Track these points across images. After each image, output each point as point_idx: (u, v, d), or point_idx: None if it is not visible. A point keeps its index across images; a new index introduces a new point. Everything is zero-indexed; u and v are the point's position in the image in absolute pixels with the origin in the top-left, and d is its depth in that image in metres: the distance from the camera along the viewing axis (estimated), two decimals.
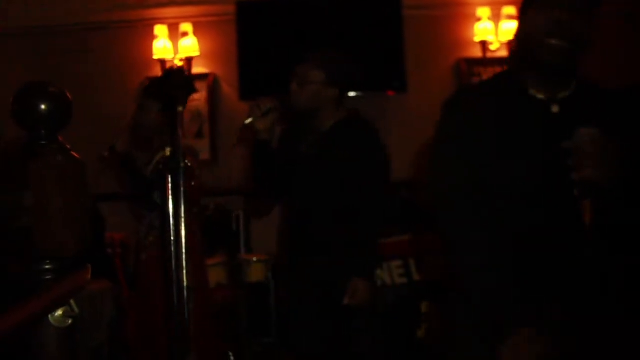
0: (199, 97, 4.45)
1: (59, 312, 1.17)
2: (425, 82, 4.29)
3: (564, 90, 1.46)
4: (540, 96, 1.44)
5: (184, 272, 1.44)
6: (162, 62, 4.39)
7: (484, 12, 4.29)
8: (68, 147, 1.29)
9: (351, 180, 2.31)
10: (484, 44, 4.32)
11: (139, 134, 2.89)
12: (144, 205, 2.86)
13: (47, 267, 1.20)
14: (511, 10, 4.20)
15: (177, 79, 2.49)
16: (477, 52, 4.36)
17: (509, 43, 4.22)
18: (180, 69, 2.99)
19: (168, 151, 1.45)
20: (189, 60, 4.38)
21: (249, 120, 2.32)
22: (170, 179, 1.46)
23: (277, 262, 3.89)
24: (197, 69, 4.44)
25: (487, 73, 4.23)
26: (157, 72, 4.35)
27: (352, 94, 4.28)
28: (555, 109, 1.44)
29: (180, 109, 1.55)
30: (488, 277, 1.33)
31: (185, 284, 1.42)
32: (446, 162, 1.47)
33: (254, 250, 4.35)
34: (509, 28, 4.18)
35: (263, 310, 3.98)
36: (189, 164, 2.66)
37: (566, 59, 1.39)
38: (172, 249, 1.42)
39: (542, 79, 1.44)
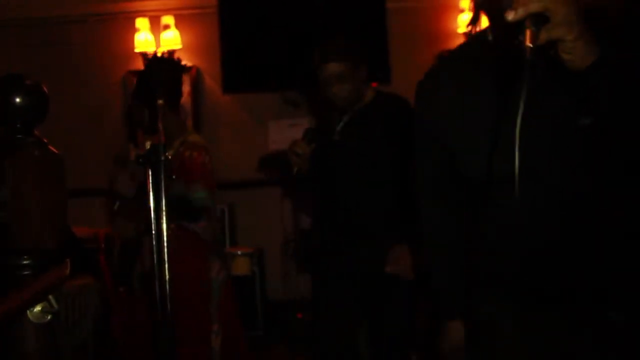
0: None
1: (38, 308, 1.15)
2: (408, 73, 4.25)
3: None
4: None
5: (166, 266, 1.43)
6: (144, 55, 4.35)
7: (467, 3, 4.30)
8: (45, 140, 1.27)
9: (396, 155, 2.36)
10: (467, 36, 4.33)
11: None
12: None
13: (25, 262, 1.18)
14: None
15: (160, 66, 2.47)
16: None
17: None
18: (159, 57, 2.94)
19: (148, 144, 1.44)
20: (170, 54, 4.35)
21: (297, 167, 2.31)
22: (150, 173, 1.45)
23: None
24: None
25: None
26: (139, 65, 4.30)
27: None
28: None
29: (161, 102, 1.54)
30: (440, 277, 1.51)
31: (167, 277, 1.41)
32: (417, 157, 1.54)
33: (238, 243, 4.34)
34: None
35: (248, 304, 3.98)
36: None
37: None
38: (154, 242, 1.41)
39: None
